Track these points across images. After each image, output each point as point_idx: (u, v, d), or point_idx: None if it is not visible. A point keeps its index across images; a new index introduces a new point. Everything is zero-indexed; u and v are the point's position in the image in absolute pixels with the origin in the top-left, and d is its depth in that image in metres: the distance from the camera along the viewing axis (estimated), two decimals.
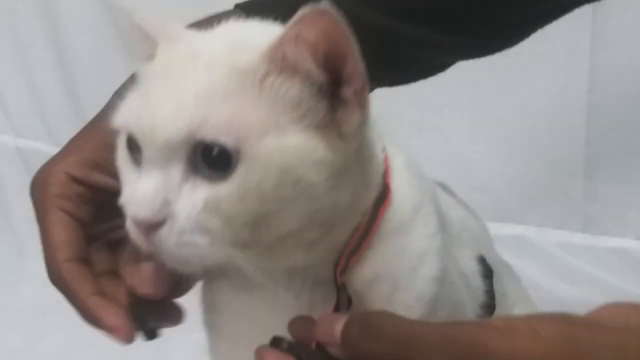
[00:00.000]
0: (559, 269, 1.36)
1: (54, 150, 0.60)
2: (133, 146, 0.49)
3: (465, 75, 1.36)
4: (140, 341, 0.56)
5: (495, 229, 0.83)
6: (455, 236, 0.62)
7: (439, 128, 1.42)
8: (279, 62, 0.46)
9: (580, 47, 1.30)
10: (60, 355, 1.15)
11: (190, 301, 0.59)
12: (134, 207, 0.47)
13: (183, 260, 0.48)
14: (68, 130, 0.60)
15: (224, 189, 0.46)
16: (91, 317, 0.54)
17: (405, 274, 0.54)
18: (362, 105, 0.48)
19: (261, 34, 0.50)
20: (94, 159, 0.57)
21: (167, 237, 0.46)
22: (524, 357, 0.44)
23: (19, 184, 1.54)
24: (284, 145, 0.46)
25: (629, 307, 0.48)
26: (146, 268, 0.53)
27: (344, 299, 0.52)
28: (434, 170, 0.64)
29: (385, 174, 0.55)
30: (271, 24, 0.53)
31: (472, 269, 0.64)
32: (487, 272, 0.65)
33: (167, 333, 0.56)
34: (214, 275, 0.57)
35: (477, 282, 0.64)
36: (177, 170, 0.47)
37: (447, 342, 0.45)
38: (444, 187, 0.68)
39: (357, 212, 0.52)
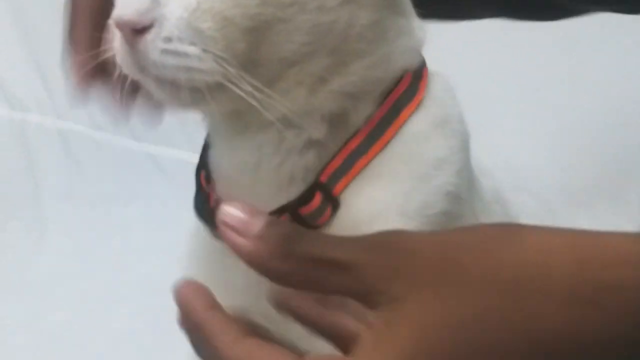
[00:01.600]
0: None
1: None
2: None
3: (511, 67, 1.31)
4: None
5: None
6: (485, 203, 0.58)
7: (480, 119, 1.34)
8: None
9: None
10: (63, 332, 1.16)
11: None
12: (119, 9, 0.42)
13: (170, 76, 0.43)
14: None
15: None
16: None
17: (411, 180, 0.49)
18: None
19: None
20: None
21: (153, 42, 0.42)
22: (437, 241, 0.42)
23: (56, 166, 1.57)
24: None
25: None
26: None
27: (308, 197, 0.47)
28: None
29: (422, 78, 0.51)
30: None
31: None
32: None
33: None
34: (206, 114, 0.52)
35: None
36: None
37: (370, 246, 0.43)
38: None
39: (372, 64, 0.47)
